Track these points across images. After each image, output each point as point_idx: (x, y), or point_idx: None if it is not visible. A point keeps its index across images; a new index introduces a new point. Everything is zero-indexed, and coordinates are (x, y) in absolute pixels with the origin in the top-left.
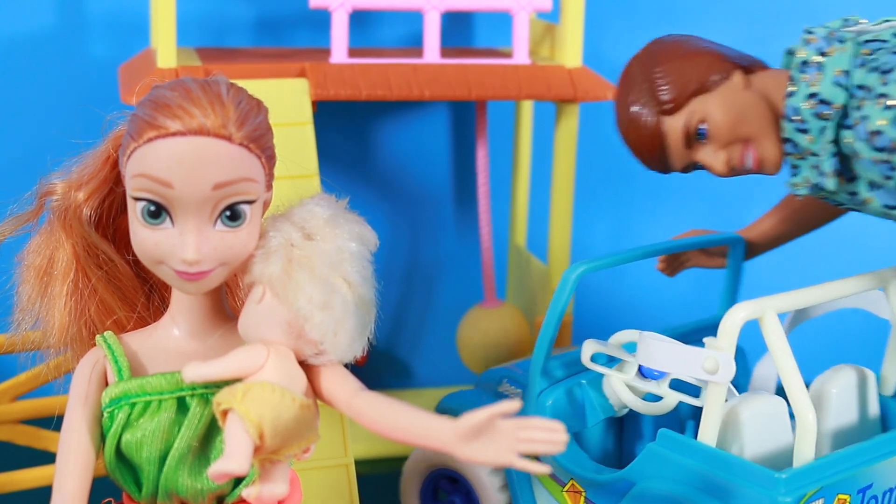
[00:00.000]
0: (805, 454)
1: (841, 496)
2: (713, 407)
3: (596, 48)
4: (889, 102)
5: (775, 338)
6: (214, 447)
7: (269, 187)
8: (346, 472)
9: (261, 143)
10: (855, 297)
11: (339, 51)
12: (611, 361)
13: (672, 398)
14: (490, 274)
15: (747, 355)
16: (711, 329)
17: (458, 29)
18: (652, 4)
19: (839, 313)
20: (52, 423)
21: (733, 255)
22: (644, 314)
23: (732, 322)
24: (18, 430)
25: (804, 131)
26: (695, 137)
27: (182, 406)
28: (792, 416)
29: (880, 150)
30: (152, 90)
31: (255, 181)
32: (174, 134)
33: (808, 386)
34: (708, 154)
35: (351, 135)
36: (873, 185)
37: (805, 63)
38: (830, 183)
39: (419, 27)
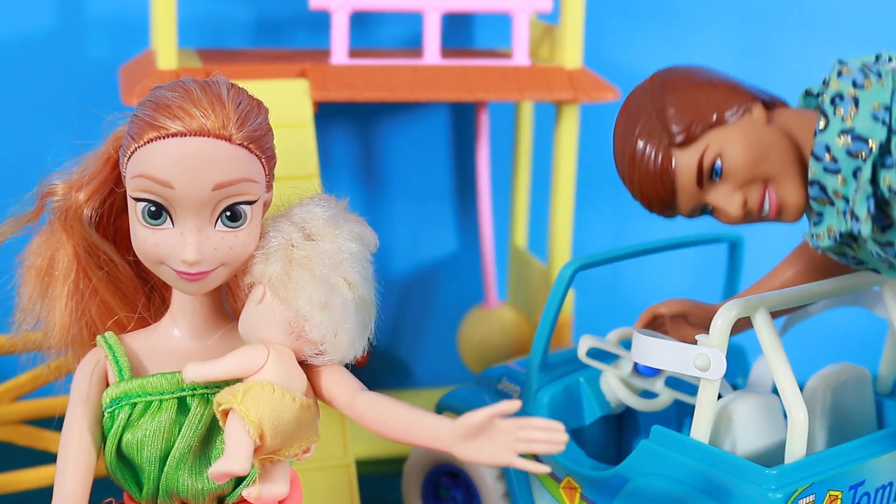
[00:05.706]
0: (796, 451)
1: (832, 492)
2: (705, 403)
3: (596, 49)
4: None
5: (767, 335)
6: (215, 447)
7: (269, 188)
8: (347, 473)
9: (261, 143)
10: (853, 295)
11: (339, 52)
12: (609, 360)
13: (667, 395)
14: (490, 275)
15: (747, 353)
16: None
17: (458, 30)
18: (652, 6)
19: (837, 312)
20: (53, 423)
21: (733, 255)
22: None
23: (724, 319)
24: (19, 430)
25: (834, 172)
26: (708, 176)
27: (182, 406)
28: (786, 413)
29: None
30: (152, 91)
31: (256, 182)
32: (174, 134)
33: (804, 384)
34: (721, 195)
35: (351, 136)
36: None
37: (839, 96)
38: (865, 229)
39: (419, 28)
